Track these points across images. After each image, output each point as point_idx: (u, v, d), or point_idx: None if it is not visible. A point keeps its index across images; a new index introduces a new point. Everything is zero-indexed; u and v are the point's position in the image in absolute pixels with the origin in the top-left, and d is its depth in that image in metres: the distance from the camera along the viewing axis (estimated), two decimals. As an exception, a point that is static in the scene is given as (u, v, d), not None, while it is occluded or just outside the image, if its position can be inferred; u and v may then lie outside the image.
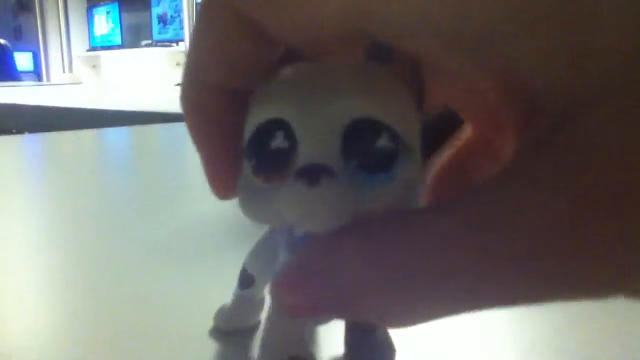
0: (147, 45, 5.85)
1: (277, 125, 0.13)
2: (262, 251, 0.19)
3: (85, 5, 6.64)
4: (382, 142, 0.13)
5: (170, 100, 1.72)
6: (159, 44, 5.66)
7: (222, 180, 0.16)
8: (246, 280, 0.20)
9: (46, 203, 0.44)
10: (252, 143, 0.14)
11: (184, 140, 0.87)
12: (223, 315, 0.21)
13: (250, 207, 0.14)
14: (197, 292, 0.25)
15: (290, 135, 0.13)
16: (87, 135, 0.89)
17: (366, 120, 0.13)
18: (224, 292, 0.24)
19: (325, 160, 0.13)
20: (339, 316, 0.13)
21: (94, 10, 6.47)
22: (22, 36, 7.13)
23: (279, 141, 0.13)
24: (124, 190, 0.48)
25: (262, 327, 0.17)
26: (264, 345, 0.16)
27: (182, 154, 0.72)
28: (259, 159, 0.14)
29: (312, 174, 0.12)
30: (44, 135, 0.90)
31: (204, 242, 0.33)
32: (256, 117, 0.14)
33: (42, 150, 0.75)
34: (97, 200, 0.44)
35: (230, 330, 0.21)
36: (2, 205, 0.44)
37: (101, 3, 6.38)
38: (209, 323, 0.22)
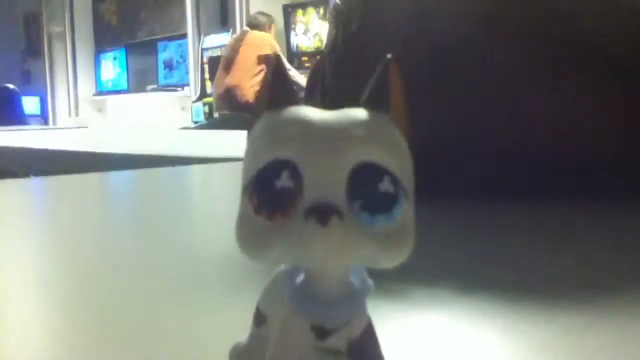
0: (152, 90, 5.93)
1: (283, 165, 0.14)
2: (272, 289, 0.19)
3: (93, 50, 6.77)
4: (384, 185, 0.14)
5: (175, 143, 1.74)
6: (165, 88, 5.74)
7: None
8: (259, 318, 0.20)
9: (51, 245, 0.44)
10: (256, 181, 0.14)
11: (189, 182, 0.88)
12: (237, 352, 0.21)
13: (249, 246, 0.15)
14: (205, 329, 0.25)
15: (295, 175, 0.14)
16: (92, 179, 0.89)
17: (370, 165, 0.14)
18: (233, 327, 0.24)
19: (333, 201, 0.13)
20: None
21: (102, 56, 6.59)
22: (31, 80, 7.25)
23: (284, 180, 0.14)
24: (129, 232, 0.49)
25: None
26: None
27: (188, 197, 0.72)
28: (262, 197, 0.14)
29: (324, 213, 0.13)
30: (50, 178, 0.91)
31: (208, 282, 0.32)
32: (261, 157, 0.14)
33: (47, 193, 0.75)
34: (102, 242, 0.44)
35: None
36: (8, 246, 0.44)
37: (108, 49, 6.50)
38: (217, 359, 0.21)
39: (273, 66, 0.16)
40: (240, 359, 0.21)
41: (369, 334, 0.17)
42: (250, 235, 0.14)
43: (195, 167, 0.99)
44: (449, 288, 0.30)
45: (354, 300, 0.16)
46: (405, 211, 0.14)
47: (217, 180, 0.87)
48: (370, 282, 0.16)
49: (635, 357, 0.22)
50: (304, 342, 0.16)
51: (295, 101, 0.16)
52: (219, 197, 0.72)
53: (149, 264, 0.38)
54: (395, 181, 0.14)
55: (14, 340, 0.26)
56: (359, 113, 0.15)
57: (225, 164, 0.96)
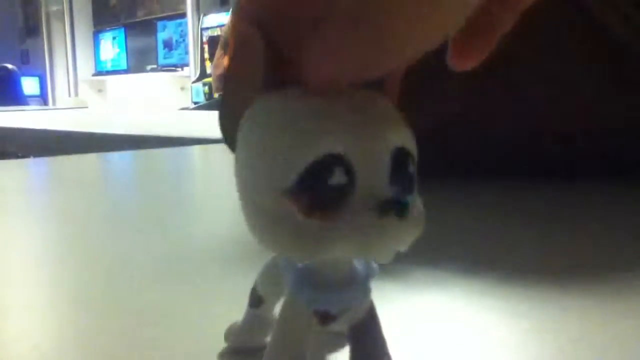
0: (152, 70, 5.90)
1: (334, 160, 0.13)
2: (270, 272, 0.19)
3: (91, 30, 6.72)
4: (411, 168, 0.14)
5: (174, 124, 1.73)
6: (164, 68, 5.72)
7: None
8: (255, 300, 0.20)
9: (51, 225, 0.44)
10: (306, 179, 0.13)
11: (188, 163, 0.88)
12: (233, 332, 0.21)
13: (305, 251, 0.13)
14: (202, 310, 0.25)
15: (349, 169, 0.13)
16: (92, 159, 0.89)
17: (401, 149, 0.14)
18: (229, 308, 0.24)
19: (382, 190, 0.13)
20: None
21: (100, 35, 6.55)
22: (29, 60, 7.21)
23: (338, 177, 0.13)
24: (128, 213, 0.49)
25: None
26: None
27: (187, 177, 0.72)
28: (314, 196, 0.13)
29: (403, 208, 0.13)
30: (49, 159, 0.91)
31: (208, 261, 0.32)
32: (300, 153, 0.13)
33: (47, 174, 0.75)
34: (102, 223, 0.44)
35: (239, 347, 0.21)
36: (8, 227, 0.44)
37: (107, 28, 6.46)
38: (214, 340, 0.22)
39: (261, 42, 0.14)
40: (236, 339, 0.21)
41: (370, 316, 0.17)
42: (299, 239, 0.13)
43: (195, 148, 0.99)
44: (450, 270, 0.30)
45: (358, 285, 0.16)
46: (417, 195, 0.15)
47: (217, 161, 0.87)
48: (375, 265, 0.16)
49: (635, 336, 0.22)
50: (306, 327, 0.16)
51: (290, 78, 0.14)
52: (218, 178, 0.72)
53: (148, 245, 0.38)
54: (414, 162, 0.14)
55: (15, 322, 0.26)
56: (372, 95, 0.15)
57: (225, 145, 0.95)
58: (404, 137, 0.14)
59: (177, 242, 0.38)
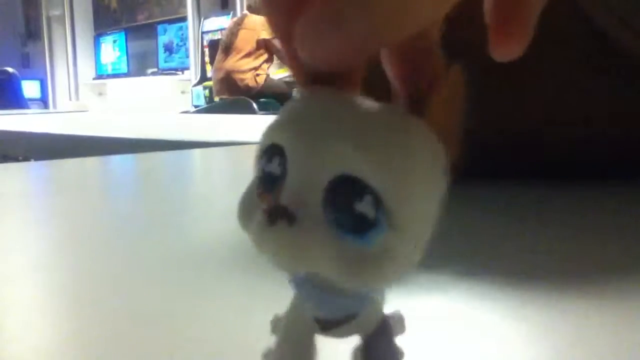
0: (152, 74, 5.92)
1: (278, 150, 0.13)
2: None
3: (92, 33, 6.74)
4: (362, 206, 0.12)
5: (175, 127, 1.74)
6: (165, 72, 5.73)
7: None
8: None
9: (51, 228, 0.44)
10: (257, 160, 0.14)
11: (189, 167, 0.88)
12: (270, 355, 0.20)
13: (241, 213, 0.14)
14: (203, 312, 0.25)
15: (283, 165, 0.13)
16: (92, 163, 0.89)
17: (352, 179, 0.12)
18: (229, 311, 0.24)
19: (306, 203, 0.12)
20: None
21: (101, 39, 6.56)
22: (30, 64, 7.22)
23: (273, 166, 0.13)
24: (129, 216, 0.49)
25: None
26: None
27: (188, 180, 0.72)
28: (259, 176, 0.14)
29: (273, 214, 0.12)
30: (50, 162, 0.91)
31: (209, 264, 0.33)
32: (268, 136, 0.14)
33: (47, 177, 0.75)
34: (102, 226, 0.44)
35: None
36: (8, 230, 0.44)
37: (108, 32, 6.48)
38: (215, 342, 0.22)
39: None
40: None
41: (382, 331, 0.16)
42: (242, 208, 0.14)
43: (196, 152, 0.99)
44: (449, 272, 0.30)
45: (359, 294, 0.15)
46: (388, 244, 0.12)
47: (218, 164, 0.87)
48: None
49: (634, 340, 0.23)
50: (308, 332, 0.15)
51: (334, 81, 0.14)
52: (219, 181, 0.72)
53: (148, 247, 0.38)
54: (378, 204, 0.12)
55: (15, 324, 0.26)
56: (377, 108, 0.13)
57: (225, 149, 0.95)
58: (364, 168, 0.12)
59: (178, 245, 0.38)
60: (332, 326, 0.15)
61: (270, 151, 0.13)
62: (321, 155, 0.12)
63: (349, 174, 0.12)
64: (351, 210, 0.12)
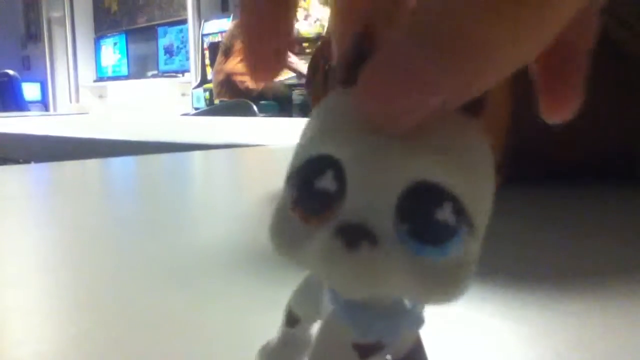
0: (153, 76, 5.92)
1: (329, 163, 0.12)
2: (307, 291, 0.17)
3: (92, 36, 6.74)
4: (443, 214, 0.11)
5: (175, 130, 1.74)
6: (165, 74, 5.73)
7: (264, 63, 0.15)
8: (292, 320, 0.18)
9: (52, 231, 0.44)
10: (298, 174, 0.12)
11: (189, 169, 0.88)
12: (267, 352, 0.20)
13: (278, 243, 0.13)
14: (203, 315, 0.25)
15: (340, 177, 0.12)
16: (93, 165, 0.89)
17: (431, 185, 0.11)
18: (230, 314, 0.24)
19: (374, 217, 0.11)
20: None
21: (102, 41, 6.57)
22: (31, 66, 7.23)
23: (327, 182, 0.12)
24: (129, 218, 0.49)
25: None
26: None
27: (188, 183, 0.72)
28: (301, 194, 0.12)
29: (353, 236, 0.11)
30: (50, 164, 0.91)
31: (209, 266, 0.33)
32: (308, 147, 0.12)
33: (48, 180, 0.75)
34: (103, 228, 0.44)
35: None
36: (9, 232, 0.44)
37: (108, 34, 6.48)
38: (216, 345, 0.22)
39: (356, 40, 0.13)
40: (270, 358, 0.20)
41: (417, 351, 0.15)
42: (281, 231, 0.13)
43: (196, 154, 0.99)
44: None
45: (409, 312, 0.14)
46: (466, 248, 0.12)
47: (218, 166, 0.87)
48: None
49: (635, 342, 0.23)
50: (345, 356, 0.14)
51: None
52: (220, 183, 0.72)
53: (149, 250, 0.38)
54: (459, 211, 0.11)
55: (16, 328, 0.26)
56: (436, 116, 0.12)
57: (225, 151, 0.95)
58: (441, 171, 0.11)
59: (179, 248, 0.38)
60: (373, 351, 0.14)
61: (320, 164, 0.12)
62: (392, 163, 0.11)
63: (426, 179, 0.11)
64: (432, 219, 0.11)
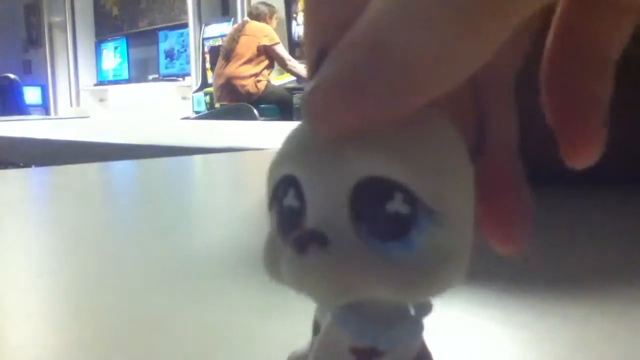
0: (153, 80, 5.93)
1: (290, 181, 0.12)
2: None
3: (93, 40, 6.76)
4: (394, 205, 0.11)
5: (176, 133, 1.74)
6: (166, 78, 5.74)
7: None
8: (316, 329, 0.19)
9: (52, 235, 0.44)
10: (271, 199, 0.13)
11: (189, 172, 0.88)
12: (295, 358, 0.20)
13: (265, 268, 0.13)
14: (204, 319, 0.25)
15: (300, 194, 0.12)
16: (94, 169, 0.89)
17: (376, 179, 0.11)
18: (231, 317, 0.24)
19: (330, 221, 0.11)
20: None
21: (102, 45, 6.58)
22: (32, 70, 7.24)
23: (290, 199, 0.12)
24: (130, 222, 0.49)
25: None
26: None
27: (188, 186, 0.72)
28: (278, 217, 0.13)
29: (302, 242, 0.11)
30: (51, 168, 0.91)
31: (210, 270, 0.33)
32: (276, 170, 0.13)
33: (48, 183, 0.76)
34: (103, 232, 0.45)
35: None
36: (9, 236, 0.44)
37: (109, 38, 6.49)
38: (217, 349, 0.22)
39: (315, 56, 0.13)
40: None
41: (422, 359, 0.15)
42: (266, 256, 0.13)
43: (197, 158, 0.99)
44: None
45: (409, 320, 0.13)
46: (438, 238, 0.11)
47: (218, 170, 0.87)
48: (430, 300, 0.14)
49: (635, 346, 0.23)
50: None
51: None
52: (220, 187, 0.72)
53: (149, 254, 0.38)
54: (412, 199, 0.11)
55: (16, 333, 0.26)
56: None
57: (226, 155, 0.96)
58: (386, 165, 0.11)
59: (179, 252, 0.38)
60: (371, 357, 0.13)
61: (284, 184, 0.12)
62: (336, 166, 0.11)
63: (371, 175, 0.11)
64: (383, 213, 0.11)
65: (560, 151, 0.16)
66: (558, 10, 0.16)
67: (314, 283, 0.11)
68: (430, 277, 0.12)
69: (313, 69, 0.12)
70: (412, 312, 0.13)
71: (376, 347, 0.13)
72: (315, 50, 0.12)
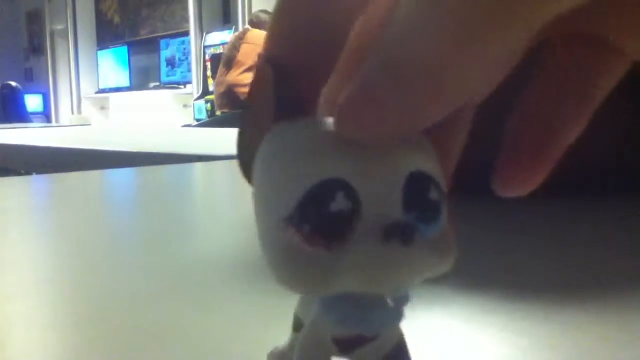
0: (155, 87, 5.94)
1: (335, 185, 0.12)
2: (310, 298, 0.17)
3: (95, 48, 6.77)
4: (433, 194, 0.13)
5: (177, 141, 1.74)
6: (167, 86, 5.75)
7: None
8: (297, 325, 0.19)
9: (53, 242, 0.44)
10: (305, 207, 0.12)
11: (190, 180, 0.88)
12: (275, 355, 0.21)
13: (309, 283, 0.13)
14: (204, 327, 0.25)
15: (352, 194, 0.12)
16: (95, 176, 0.89)
17: (420, 174, 0.13)
18: (230, 326, 0.24)
19: (393, 217, 0.13)
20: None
21: (104, 53, 6.60)
22: (33, 78, 7.26)
23: (340, 202, 0.12)
24: (131, 229, 0.49)
25: None
26: None
27: (189, 194, 0.73)
28: (315, 224, 0.12)
29: (407, 233, 0.12)
30: (52, 176, 0.91)
31: (210, 278, 0.33)
32: (302, 180, 0.13)
33: (49, 191, 0.76)
34: (105, 240, 0.45)
35: None
36: (10, 244, 0.44)
37: (111, 46, 6.51)
38: (217, 357, 0.22)
39: (275, 73, 0.14)
40: None
41: (400, 349, 0.15)
42: (307, 271, 0.13)
43: (198, 165, 1.00)
44: (451, 286, 0.30)
45: (390, 308, 0.14)
46: (445, 216, 0.14)
47: (219, 178, 0.87)
48: (409, 292, 0.15)
49: (635, 354, 0.23)
50: (325, 354, 0.15)
51: (305, 110, 0.14)
52: (220, 194, 0.72)
53: (150, 262, 0.38)
54: (440, 189, 0.14)
55: (16, 341, 0.26)
56: None
57: (227, 162, 0.96)
58: (421, 161, 0.13)
59: (180, 259, 0.38)
60: (352, 346, 0.14)
61: (325, 190, 0.12)
62: (393, 165, 0.13)
63: (417, 170, 0.13)
64: (428, 200, 0.13)
65: (497, 173, 0.16)
66: (550, 44, 0.16)
67: (415, 270, 0.13)
68: (451, 247, 0.14)
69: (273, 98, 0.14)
70: (391, 303, 0.15)
71: (359, 335, 0.14)
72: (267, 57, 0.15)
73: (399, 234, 0.12)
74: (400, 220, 0.13)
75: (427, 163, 0.13)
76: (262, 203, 0.14)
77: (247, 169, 0.15)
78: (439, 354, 0.23)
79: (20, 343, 0.25)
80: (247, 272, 0.33)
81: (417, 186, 0.13)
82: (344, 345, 0.14)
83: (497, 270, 0.34)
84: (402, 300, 0.15)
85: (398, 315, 0.15)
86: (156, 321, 0.27)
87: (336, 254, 0.12)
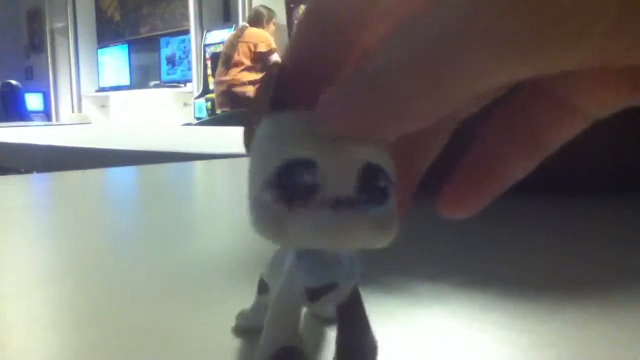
0: (155, 86, 5.94)
1: (304, 163, 0.16)
2: (274, 263, 0.21)
3: (95, 46, 6.77)
4: (382, 182, 0.17)
5: (177, 140, 1.74)
6: (167, 84, 5.75)
7: None
8: (262, 288, 0.23)
9: (54, 241, 0.44)
10: (278, 175, 0.16)
11: (191, 178, 0.88)
12: (242, 316, 0.24)
13: (266, 229, 0.16)
14: (204, 326, 0.25)
15: (315, 172, 0.16)
16: (95, 175, 0.89)
17: (374, 165, 0.16)
18: (230, 323, 0.24)
19: (346, 195, 0.16)
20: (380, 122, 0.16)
21: (104, 52, 6.59)
22: (33, 76, 7.26)
23: (308, 177, 0.16)
24: (131, 228, 0.49)
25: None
26: (261, 337, 0.19)
27: (189, 192, 0.73)
28: (285, 189, 0.16)
29: (353, 205, 0.16)
30: (52, 174, 0.91)
31: (211, 276, 0.33)
32: (280, 154, 0.16)
33: (50, 190, 0.76)
34: (105, 239, 0.45)
35: (246, 327, 0.24)
36: (10, 243, 0.44)
37: (111, 44, 6.51)
38: (217, 355, 0.22)
39: (276, 70, 0.18)
40: (244, 321, 0.24)
41: (355, 298, 0.19)
42: (267, 220, 0.16)
43: (198, 164, 1.00)
44: (451, 284, 0.30)
45: (343, 266, 0.19)
46: (393, 201, 0.17)
47: (219, 176, 0.87)
48: (359, 260, 0.19)
49: (636, 352, 0.23)
50: (298, 302, 0.19)
51: (297, 104, 0.18)
52: (221, 193, 0.73)
53: (151, 261, 0.38)
54: (388, 178, 0.17)
55: (17, 340, 0.26)
56: None
57: (227, 161, 0.96)
58: (376, 155, 0.17)
59: (180, 257, 0.38)
60: (319, 294, 0.18)
61: (297, 165, 0.16)
62: (351, 154, 0.16)
63: (370, 161, 0.16)
64: (377, 187, 0.16)
65: (444, 194, 0.18)
66: (516, 91, 0.17)
67: (351, 233, 0.16)
68: (393, 226, 0.17)
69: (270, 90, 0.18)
70: (345, 264, 0.19)
71: (323, 285, 0.18)
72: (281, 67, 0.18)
73: (347, 205, 0.16)
74: (351, 195, 0.16)
75: (381, 157, 0.17)
76: (252, 169, 0.17)
77: (249, 147, 0.18)
78: (440, 352, 0.23)
79: (20, 343, 0.25)
80: (247, 272, 0.33)
81: (370, 175, 0.16)
82: (312, 293, 0.18)
83: (497, 269, 0.34)
84: (353, 262, 0.19)
85: (351, 272, 0.19)
86: (156, 321, 0.27)
87: (294, 214, 0.16)
